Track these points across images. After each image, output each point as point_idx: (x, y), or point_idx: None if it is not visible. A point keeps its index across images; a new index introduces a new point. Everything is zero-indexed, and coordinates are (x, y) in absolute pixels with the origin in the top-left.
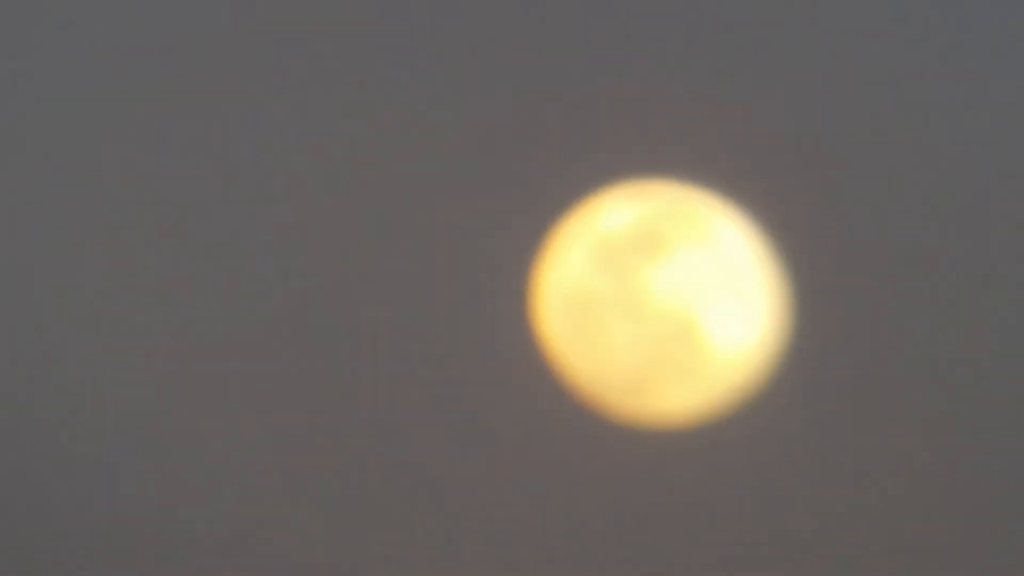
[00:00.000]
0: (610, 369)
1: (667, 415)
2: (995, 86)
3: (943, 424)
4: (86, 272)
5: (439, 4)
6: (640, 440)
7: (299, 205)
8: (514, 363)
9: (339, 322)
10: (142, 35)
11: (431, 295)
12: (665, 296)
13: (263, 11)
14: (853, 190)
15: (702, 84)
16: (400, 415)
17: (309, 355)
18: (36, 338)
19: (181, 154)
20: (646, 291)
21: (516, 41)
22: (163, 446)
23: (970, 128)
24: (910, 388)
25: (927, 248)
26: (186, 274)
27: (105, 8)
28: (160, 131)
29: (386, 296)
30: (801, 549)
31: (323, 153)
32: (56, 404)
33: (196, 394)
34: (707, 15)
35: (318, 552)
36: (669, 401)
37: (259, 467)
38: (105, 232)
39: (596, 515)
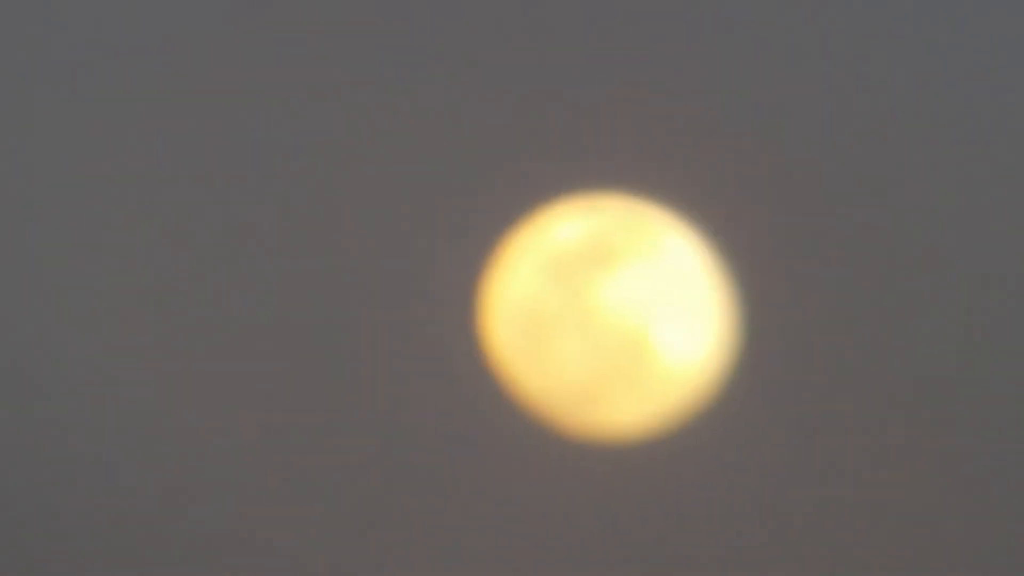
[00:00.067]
0: (560, 382)
1: (618, 428)
2: (977, 99)
3: (903, 436)
4: (86, 272)
5: (386, 22)
6: (591, 454)
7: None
8: (462, 377)
9: (280, 334)
10: (141, 35)
11: (377, 309)
12: (616, 309)
13: (251, 9)
14: (806, 203)
15: (655, 96)
16: (348, 428)
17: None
18: (36, 338)
19: (179, 153)
20: (597, 304)
21: (468, 50)
22: (162, 445)
23: (936, 134)
24: (863, 400)
25: (882, 260)
26: (180, 273)
27: (104, 8)
28: (159, 131)
29: (332, 307)
30: (753, 562)
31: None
32: (56, 404)
33: (190, 394)
34: (663, 26)
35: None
36: (620, 414)
37: (241, 468)
38: (105, 233)
39: (547, 530)
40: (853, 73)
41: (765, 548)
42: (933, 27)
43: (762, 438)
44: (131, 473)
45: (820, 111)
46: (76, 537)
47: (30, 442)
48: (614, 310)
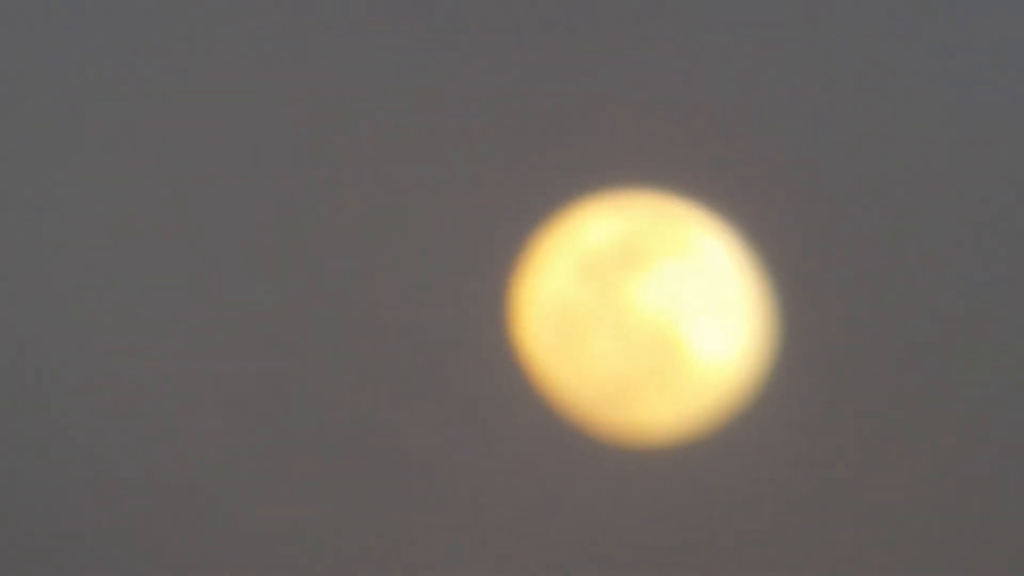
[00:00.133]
0: (593, 382)
1: (650, 428)
2: (992, 93)
3: (936, 433)
4: (85, 272)
5: (398, 14)
6: (624, 454)
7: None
8: (495, 376)
9: (311, 332)
10: (141, 34)
11: (409, 307)
12: (649, 308)
13: (246, 8)
14: (841, 201)
15: (688, 93)
16: (376, 426)
17: (278, 365)
18: (36, 337)
19: (177, 153)
20: (630, 303)
21: (493, 48)
22: (160, 445)
23: (961, 135)
24: (898, 399)
25: (916, 258)
26: (178, 274)
27: (104, 8)
28: (158, 131)
29: (362, 307)
30: (787, 563)
31: (296, 157)
32: (55, 404)
33: (187, 395)
34: (690, 24)
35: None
36: (652, 414)
37: (260, 466)
38: (104, 232)
39: (577, 530)
40: (893, 64)
41: (799, 549)
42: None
43: (796, 438)
44: (131, 473)
45: (856, 104)
46: (76, 537)
47: (30, 442)
48: (647, 309)
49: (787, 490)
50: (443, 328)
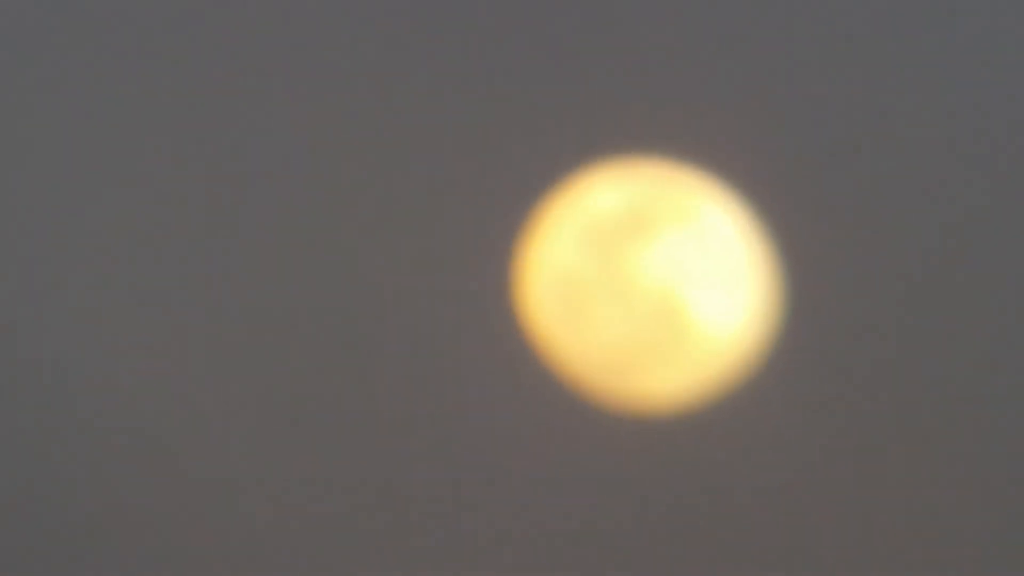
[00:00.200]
0: (597, 352)
1: (655, 399)
2: (994, 86)
3: (941, 410)
4: (85, 272)
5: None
6: (628, 424)
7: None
8: (499, 347)
9: (319, 312)
10: (140, 34)
11: (414, 280)
12: (654, 278)
13: (245, 8)
14: (847, 172)
15: (693, 61)
16: (382, 402)
17: (292, 335)
18: (35, 338)
19: (176, 153)
20: (635, 273)
21: (499, 20)
22: (160, 445)
23: (968, 121)
24: (903, 373)
25: (923, 232)
26: (178, 274)
27: (103, 7)
28: (158, 130)
29: (367, 281)
30: (790, 539)
31: (305, 146)
32: (55, 404)
33: (186, 395)
34: None
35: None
36: (657, 384)
37: (268, 461)
38: (104, 232)
39: (581, 500)
40: (907, 39)
41: (801, 522)
42: None
43: (800, 410)
44: (133, 473)
45: (867, 77)
46: (75, 537)
47: (29, 442)
48: (652, 279)
49: (790, 459)
50: (448, 300)
